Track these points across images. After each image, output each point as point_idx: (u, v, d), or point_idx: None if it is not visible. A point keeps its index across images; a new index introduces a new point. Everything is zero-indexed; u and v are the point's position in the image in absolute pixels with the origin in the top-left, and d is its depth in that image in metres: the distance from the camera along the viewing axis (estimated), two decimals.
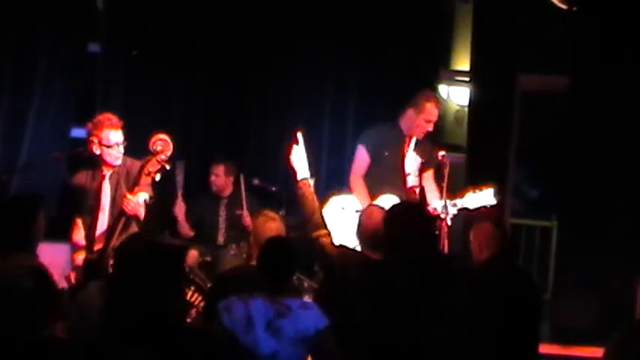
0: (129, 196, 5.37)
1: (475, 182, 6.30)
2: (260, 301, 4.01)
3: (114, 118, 5.62)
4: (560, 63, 7.52)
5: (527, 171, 9.44)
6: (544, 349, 5.31)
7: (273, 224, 4.95)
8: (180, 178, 6.88)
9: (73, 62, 7.55)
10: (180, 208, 7.01)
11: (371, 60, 7.82)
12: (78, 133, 7.01)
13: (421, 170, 6.40)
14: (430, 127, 6.41)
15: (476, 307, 3.65)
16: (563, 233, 7.55)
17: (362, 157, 6.49)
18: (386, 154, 6.40)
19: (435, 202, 5.99)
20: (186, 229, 7.13)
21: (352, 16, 7.76)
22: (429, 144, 6.53)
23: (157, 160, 5.38)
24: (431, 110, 6.36)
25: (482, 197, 5.91)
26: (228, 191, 7.32)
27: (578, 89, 7.25)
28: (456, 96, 8.00)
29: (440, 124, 7.05)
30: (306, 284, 6.34)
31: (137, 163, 5.50)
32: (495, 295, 4.26)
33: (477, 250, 4.70)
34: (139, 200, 5.43)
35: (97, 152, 5.54)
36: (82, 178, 5.70)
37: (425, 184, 6.30)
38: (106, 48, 7.66)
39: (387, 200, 5.82)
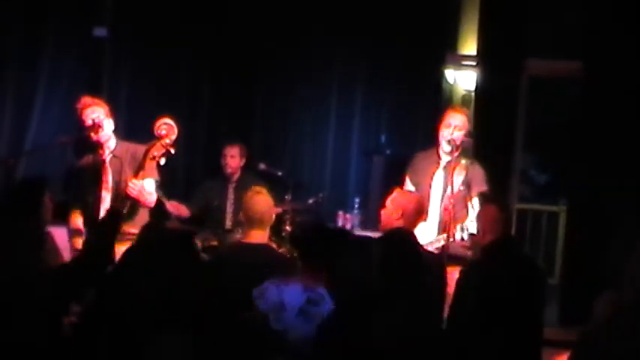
0: (134, 181, 5.37)
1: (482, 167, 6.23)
2: (294, 287, 4.01)
3: (87, 99, 5.67)
4: (570, 47, 7.47)
5: (535, 156, 9.42)
6: (551, 334, 5.27)
7: (261, 197, 4.93)
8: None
9: (80, 46, 7.56)
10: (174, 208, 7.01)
11: (378, 44, 7.81)
12: None
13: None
14: (449, 132, 5.79)
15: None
16: (571, 219, 7.51)
17: (407, 187, 5.88)
18: (420, 179, 5.88)
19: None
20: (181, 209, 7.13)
21: (360, 0, 7.74)
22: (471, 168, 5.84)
23: (162, 145, 5.36)
24: (449, 115, 5.89)
25: None
26: (237, 174, 7.31)
27: (589, 74, 7.19)
28: (463, 80, 7.94)
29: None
30: None
31: (142, 148, 5.49)
32: (496, 279, 4.25)
33: (480, 233, 4.66)
34: (144, 185, 5.44)
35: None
36: (83, 162, 5.73)
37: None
38: (113, 32, 7.66)
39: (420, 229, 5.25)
